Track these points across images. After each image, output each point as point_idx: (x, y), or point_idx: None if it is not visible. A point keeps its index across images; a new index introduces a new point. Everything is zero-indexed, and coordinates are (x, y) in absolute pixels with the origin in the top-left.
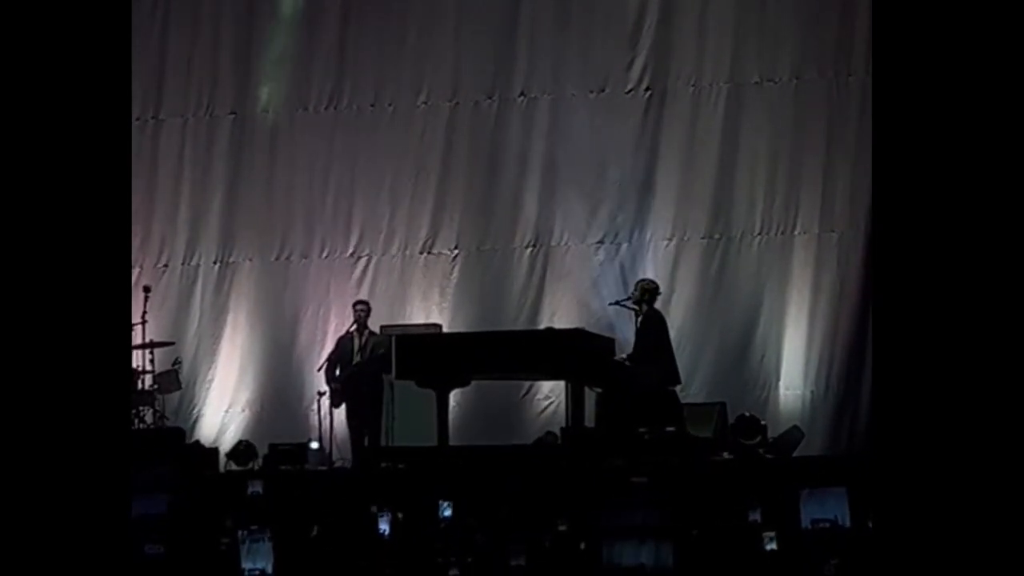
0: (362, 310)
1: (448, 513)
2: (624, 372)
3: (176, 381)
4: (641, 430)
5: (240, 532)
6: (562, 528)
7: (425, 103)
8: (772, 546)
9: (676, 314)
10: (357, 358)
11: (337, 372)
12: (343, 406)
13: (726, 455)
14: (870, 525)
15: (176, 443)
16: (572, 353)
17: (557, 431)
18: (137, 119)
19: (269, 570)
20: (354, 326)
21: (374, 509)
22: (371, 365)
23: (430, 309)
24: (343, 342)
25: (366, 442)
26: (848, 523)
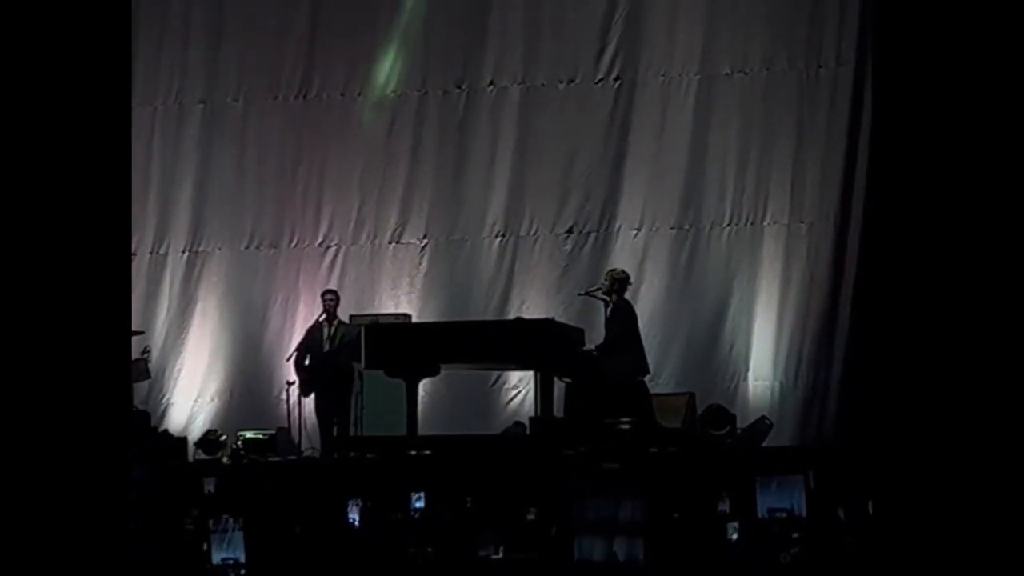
0: (331, 299)
1: (420, 504)
2: (593, 362)
3: (145, 370)
4: (609, 420)
5: (210, 522)
6: (531, 518)
7: (395, 92)
8: (735, 536)
9: (645, 304)
10: (327, 347)
11: (306, 361)
12: (312, 395)
13: (694, 446)
14: (840, 515)
15: (141, 427)
16: (541, 343)
17: (525, 421)
18: None
19: (243, 559)
20: (323, 316)
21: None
22: (340, 354)
23: (399, 299)
24: (312, 332)
25: (335, 432)
26: (804, 512)
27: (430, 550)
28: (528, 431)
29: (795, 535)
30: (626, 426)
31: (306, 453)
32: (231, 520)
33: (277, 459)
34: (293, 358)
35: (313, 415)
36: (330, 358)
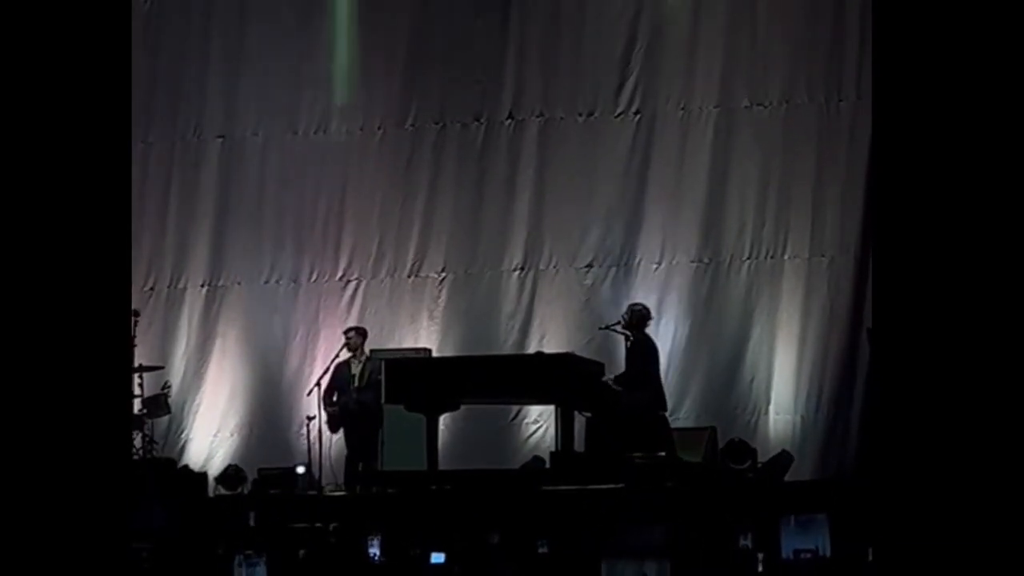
0: (352, 337)
1: (440, 560)
2: (614, 396)
3: (165, 406)
4: (631, 455)
5: (237, 557)
6: (543, 551)
7: (413, 125)
8: (760, 568)
9: (666, 338)
10: (355, 384)
11: (334, 398)
12: (340, 432)
13: (715, 480)
14: (870, 554)
15: (167, 473)
16: (561, 377)
17: (546, 455)
18: None
19: None
20: (344, 350)
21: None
22: (369, 393)
23: (419, 333)
24: (340, 369)
25: (360, 467)
26: (829, 552)
27: None
28: (548, 465)
29: None
30: (648, 460)
31: (327, 489)
32: (254, 555)
33: (299, 494)
34: (322, 394)
35: (332, 451)
36: (359, 396)
